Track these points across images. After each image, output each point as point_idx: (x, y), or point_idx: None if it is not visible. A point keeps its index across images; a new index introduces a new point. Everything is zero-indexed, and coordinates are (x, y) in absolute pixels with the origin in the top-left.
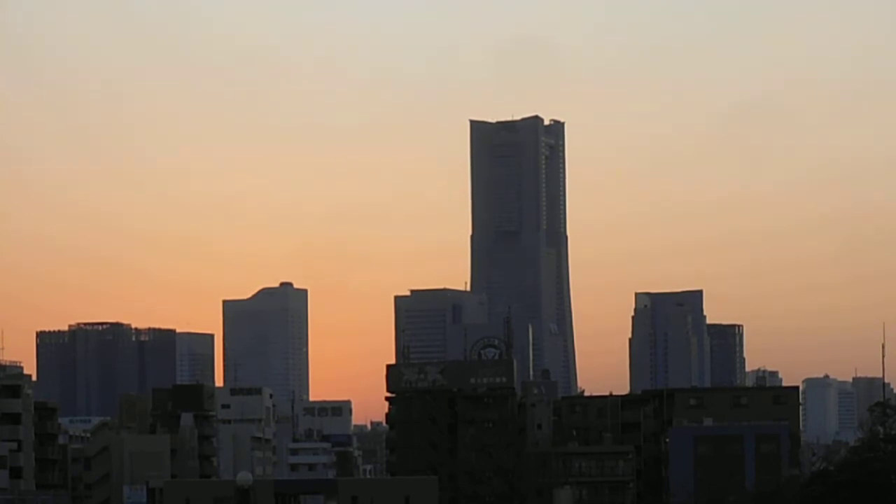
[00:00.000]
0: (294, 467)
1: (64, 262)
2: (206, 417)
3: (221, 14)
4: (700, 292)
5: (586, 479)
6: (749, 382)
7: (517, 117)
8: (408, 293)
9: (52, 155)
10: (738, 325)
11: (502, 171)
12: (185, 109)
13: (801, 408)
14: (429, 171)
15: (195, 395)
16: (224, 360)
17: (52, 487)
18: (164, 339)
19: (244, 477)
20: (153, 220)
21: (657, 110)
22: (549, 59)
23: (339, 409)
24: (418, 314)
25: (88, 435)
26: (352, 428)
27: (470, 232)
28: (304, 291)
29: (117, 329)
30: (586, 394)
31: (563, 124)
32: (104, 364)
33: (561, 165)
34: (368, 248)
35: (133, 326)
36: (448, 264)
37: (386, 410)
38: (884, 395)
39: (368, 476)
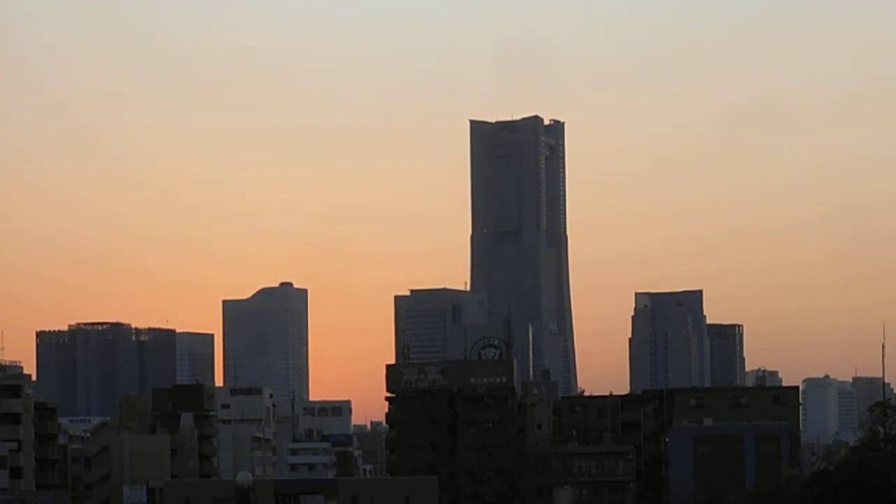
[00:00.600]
0: (294, 467)
1: (64, 262)
2: (206, 417)
3: (221, 15)
4: (700, 292)
5: (586, 479)
6: (749, 382)
7: (517, 117)
8: (408, 293)
9: (52, 155)
10: (738, 325)
11: (502, 171)
12: (184, 110)
13: (801, 408)
14: (429, 171)
15: (195, 395)
16: (224, 360)
17: (52, 487)
18: (164, 339)
19: (244, 477)
20: (153, 220)
21: (657, 110)
22: (549, 59)
23: (339, 409)
24: (418, 314)
25: (88, 435)
26: (352, 428)
27: (470, 232)
28: (304, 291)
29: (117, 329)
30: (586, 394)
31: (563, 124)
32: (104, 364)
33: (561, 165)
34: (368, 248)
35: (133, 326)
36: (448, 264)
37: (386, 410)
38: (884, 395)
39: (368, 476)
